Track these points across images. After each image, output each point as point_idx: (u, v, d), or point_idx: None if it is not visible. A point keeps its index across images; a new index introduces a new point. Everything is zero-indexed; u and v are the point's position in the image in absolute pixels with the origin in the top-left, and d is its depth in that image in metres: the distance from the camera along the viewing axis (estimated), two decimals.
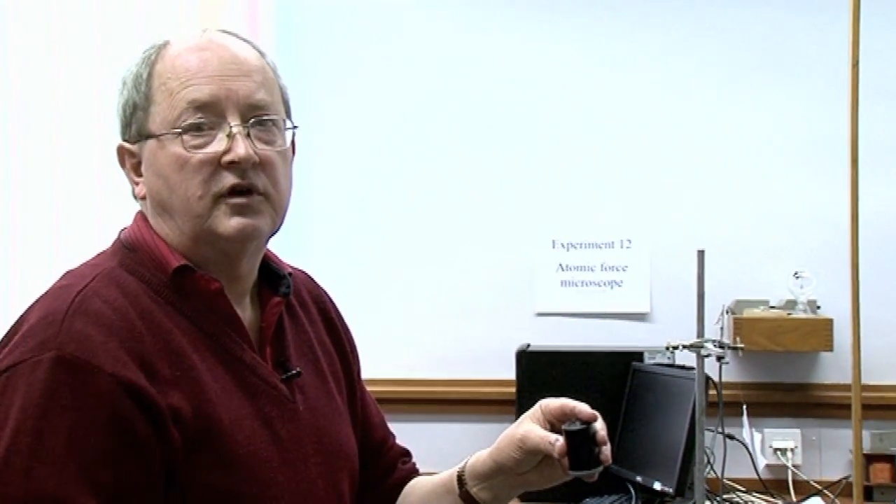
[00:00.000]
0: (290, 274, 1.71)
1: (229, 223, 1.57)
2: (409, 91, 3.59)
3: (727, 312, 3.46)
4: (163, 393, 1.47)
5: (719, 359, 2.02)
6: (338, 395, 1.74)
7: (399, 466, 1.87)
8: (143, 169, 1.62)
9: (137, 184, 1.64)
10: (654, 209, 3.65)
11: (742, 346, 2.12)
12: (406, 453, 1.93)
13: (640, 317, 3.64)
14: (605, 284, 3.63)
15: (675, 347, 2.12)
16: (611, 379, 3.32)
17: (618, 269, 3.66)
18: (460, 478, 1.76)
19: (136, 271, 1.59)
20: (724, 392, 3.14)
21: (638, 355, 3.35)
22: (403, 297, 3.56)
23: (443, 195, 3.66)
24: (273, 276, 1.70)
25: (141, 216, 1.65)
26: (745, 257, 3.54)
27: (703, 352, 1.96)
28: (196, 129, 1.57)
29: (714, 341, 2.00)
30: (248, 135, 1.58)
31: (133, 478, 1.44)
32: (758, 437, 3.42)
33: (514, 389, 3.36)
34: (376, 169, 3.61)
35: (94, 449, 1.41)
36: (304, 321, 1.75)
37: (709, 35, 3.61)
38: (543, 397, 2.96)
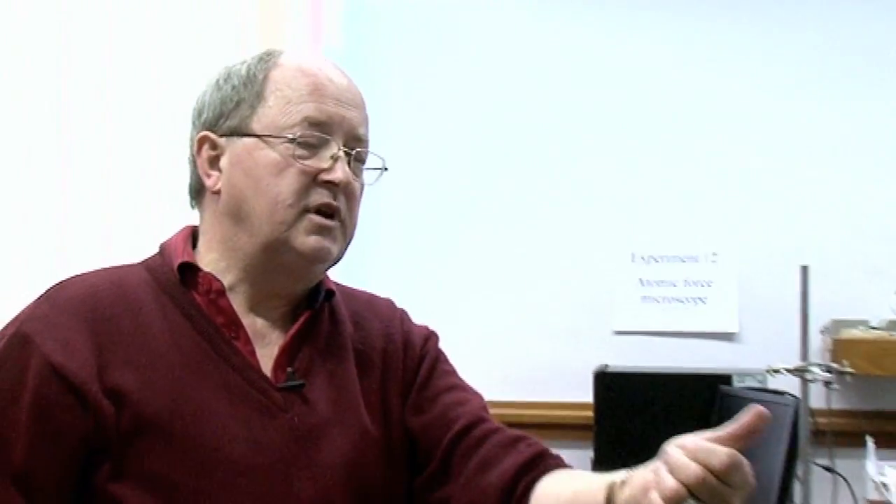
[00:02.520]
0: (329, 291, 1.70)
1: (307, 239, 1.59)
2: (482, 99, 3.52)
3: (823, 333, 3.27)
4: (110, 375, 1.49)
5: (827, 384, 1.77)
6: (365, 410, 1.67)
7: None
8: (224, 164, 1.62)
9: (210, 176, 1.63)
10: (742, 220, 3.48)
11: (851, 370, 1.85)
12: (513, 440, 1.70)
13: (727, 336, 3.47)
14: (688, 301, 3.48)
15: (777, 371, 1.91)
16: (696, 404, 3.14)
17: (703, 285, 3.50)
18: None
19: (154, 269, 1.63)
20: (824, 420, 2.99)
21: (725, 378, 3.14)
22: (474, 315, 3.45)
23: (515, 207, 3.56)
24: (316, 292, 1.70)
25: (185, 229, 1.69)
26: (842, 273, 3.34)
27: (809, 376, 1.70)
28: (305, 142, 1.59)
29: (821, 365, 1.73)
30: (350, 162, 1.61)
31: (43, 461, 1.47)
32: (859, 469, 3.14)
33: (591, 413, 3.21)
34: (448, 181, 3.52)
35: (12, 425, 1.46)
36: (348, 335, 1.72)
37: (809, 37, 3.49)
38: (622, 421, 3.15)
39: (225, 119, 1.64)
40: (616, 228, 3.50)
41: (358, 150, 1.64)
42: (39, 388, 1.47)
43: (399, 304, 1.84)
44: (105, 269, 1.65)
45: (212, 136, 1.64)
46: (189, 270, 1.63)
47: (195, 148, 1.65)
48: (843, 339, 3.15)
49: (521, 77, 3.56)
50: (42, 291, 1.58)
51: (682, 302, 3.48)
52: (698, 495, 1.30)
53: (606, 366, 3.28)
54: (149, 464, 1.49)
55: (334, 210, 1.60)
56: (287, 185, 1.59)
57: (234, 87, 1.64)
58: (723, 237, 3.48)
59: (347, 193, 1.62)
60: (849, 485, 3.16)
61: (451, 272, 3.46)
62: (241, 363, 1.60)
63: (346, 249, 1.67)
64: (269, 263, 1.62)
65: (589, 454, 3.18)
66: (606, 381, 3.22)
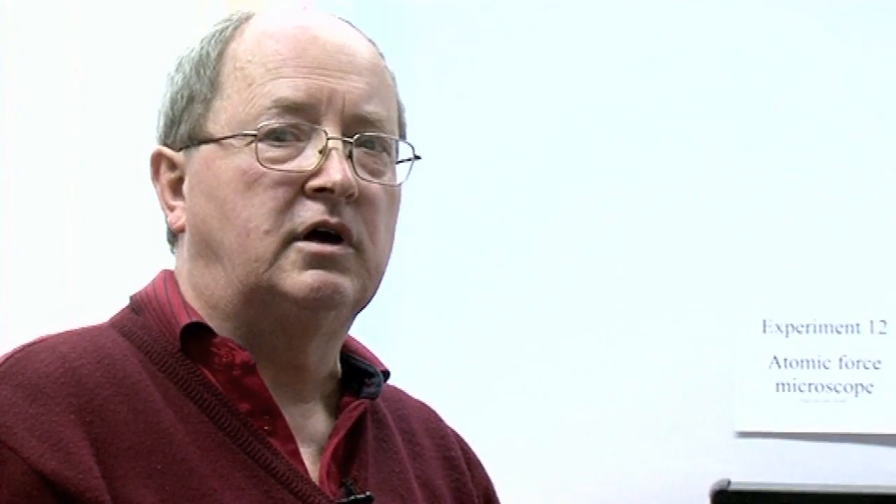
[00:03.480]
0: (384, 373, 1.54)
1: (300, 278, 1.38)
2: (541, 103, 3.01)
3: None
4: (121, 486, 1.33)
5: None
6: None
7: None
8: (186, 187, 1.45)
9: (173, 209, 1.47)
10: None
11: None
12: None
13: None
14: (846, 389, 2.89)
15: None
16: None
17: (867, 366, 2.88)
18: None
19: (133, 334, 1.44)
20: None
21: None
22: (535, 410, 2.97)
23: (592, 253, 3.01)
24: (359, 374, 1.53)
25: (164, 275, 1.51)
26: None
27: None
28: (278, 137, 1.40)
29: None
30: (350, 155, 1.41)
31: None
32: None
33: None
34: (495, 216, 3.05)
35: None
36: (403, 453, 1.56)
37: None
38: None
39: (175, 125, 1.49)
40: (742, 287, 2.92)
41: (363, 134, 1.43)
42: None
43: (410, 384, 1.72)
44: (69, 333, 1.47)
45: (166, 151, 1.49)
46: (192, 336, 1.44)
47: (151, 169, 1.52)
48: None
49: (600, 70, 3.08)
50: None
51: (836, 391, 2.89)
52: None
53: (729, 482, 2.71)
54: None
55: (336, 229, 1.39)
56: (259, 203, 1.40)
57: (184, 79, 1.49)
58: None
59: (361, 202, 1.42)
60: None
61: (499, 346, 2.97)
62: (287, 471, 1.41)
63: (374, 285, 1.47)
64: (261, 322, 1.42)
65: None
66: None
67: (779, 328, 2.87)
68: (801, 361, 2.87)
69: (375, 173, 1.43)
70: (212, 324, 1.45)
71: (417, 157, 1.49)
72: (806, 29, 3.00)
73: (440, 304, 3.07)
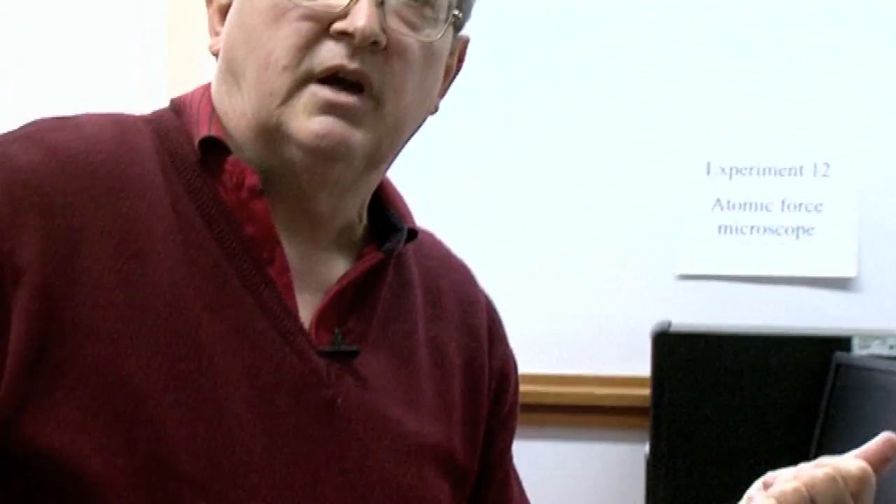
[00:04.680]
0: (411, 230, 1.50)
1: (308, 123, 1.34)
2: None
3: None
4: (80, 273, 1.30)
5: None
6: (433, 423, 1.51)
7: None
8: (230, 13, 1.43)
9: (217, 34, 1.45)
10: (868, 119, 2.89)
11: None
12: None
13: (842, 283, 2.90)
14: (787, 232, 2.88)
15: None
16: (798, 378, 2.67)
17: (808, 209, 2.88)
18: None
19: (167, 134, 1.41)
20: None
21: (842, 342, 2.68)
22: (481, 257, 2.94)
23: (541, 108, 3.00)
24: (392, 231, 1.49)
25: (205, 86, 1.49)
26: None
27: None
28: None
29: None
30: (382, 3, 1.36)
31: None
32: None
33: (647, 391, 2.68)
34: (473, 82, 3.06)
35: None
36: (420, 310, 1.53)
37: None
38: (690, 402, 2.81)
39: None
40: (686, 128, 2.92)
41: None
42: None
43: None
44: (101, 117, 1.45)
45: None
46: (214, 149, 1.41)
47: None
48: None
49: None
50: (18, 126, 1.42)
51: (777, 233, 2.88)
52: (820, 500, 1.33)
53: (669, 323, 2.72)
54: (123, 429, 1.30)
55: (355, 76, 1.35)
56: (282, 37, 1.38)
57: None
58: (838, 142, 2.91)
59: (389, 53, 1.38)
60: None
61: (458, 197, 2.98)
62: (274, 303, 1.39)
63: (392, 143, 1.43)
64: (271, 159, 1.40)
65: (644, 449, 2.70)
66: (670, 345, 2.70)
67: (722, 170, 2.86)
68: (744, 204, 2.87)
69: (412, 25, 1.39)
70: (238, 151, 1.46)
71: (459, 21, 1.45)
72: None
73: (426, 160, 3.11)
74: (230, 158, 1.39)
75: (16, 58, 3.21)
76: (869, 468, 1.31)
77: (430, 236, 1.61)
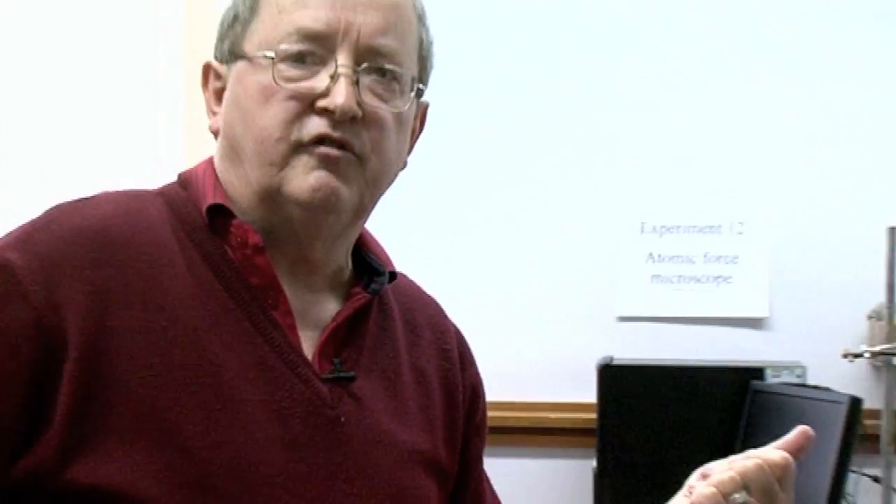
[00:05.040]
0: (391, 273, 1.62)
1: (305, 180, 1.46)
2: (474, 66, 3.29)
3: (872, 318, 3.11)
4: (112, 339, 1.40)
5: None
6: (420, 433, 1.61)
7: None
8: (225, 97, 1.55)
9: (215, 114, 1.56)
10: (775, 185, 3.29)
11: None
12: None
13: (756, 323, 3.27)
14: (709, 280, 3.26)
15: (857, 355, 2.08)
16: (720, 403, 3.00)
17: (726, 261, 3.28)
18: None
19: (176, 205, 1.52)
20: (865, 422, 2.83)
21: (757, 372, 3.01)
22: (452, 302, 3.21)
23: (497, 177, 3.34)
24: (372, 270, 1.61)
25: (208, 160, 1.60)
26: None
27: None
28: (296, 59, 1.48)
29: None
30: (357, 82, 1.47)
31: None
32: None
33: (594, 415, 3.01)
34: (428, 147, 3.35)
35: None
36: (401, 340, 1.64)
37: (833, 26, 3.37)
38: (631, 424, 3.03)
39: (224, 41, 1.55)
40: (622, 194, 3.30)
41: (370, 64, 1.48)
42: (16, 344, 1.37)
43: None
44: (117, 195, 1.53)
45: (214, 63, 1.56)
46: (219, 215, 1.50)
47: (202, 78, 1.59)
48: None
49: (519, 39, 3.38)
50: (42, 211, 1.48)
51: (700, 281, 3.27)
52: (752, 486, 1.42)
53: (611, 358, 3.06)
54: (164, 457, 1.38)
55: (338, 142, 1.45)
56: (275, 114, 1.46)
57: (234, 2, 1.56)
58: (752, 204, 3.29)
59: (366, 122, 1.47)
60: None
61: (419, 249, 3.13)
62: (282, 342, 1.48)
63: (372, 196, 1.52)
64: (272, 218, 1.48)
65: (591, 464, 3.01)
66: (612, 377, 3.04)
67: (654, 229, 3.21)
68: (672, 257, 3.22)
69: (383, 98, 1.48)
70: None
71: (421, 91, 1.56)
72: None
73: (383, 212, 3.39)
74: (234, 221, 1.48)
75: (40, 130, 3.32)
76: (789, 456, 1.43)
77: (404, 277, 1.70)
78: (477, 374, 1.73)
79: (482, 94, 3.37)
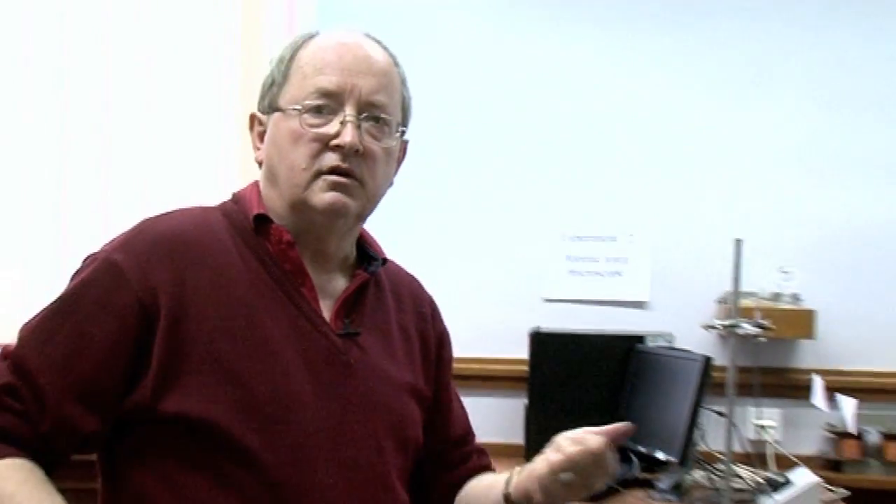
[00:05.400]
0: (383, 259, 1.76)
1: (323, 196, 1.61)
2: (432, 89, 3.38)
3: (720, 302, 3.54)
4: (190, 309, 1.54)
5: (755, 336, 2.11)
6: (406, 372, 1.75)
7: (469, 462, 1.89)
8: (265, 138, 1.68)
9: (258, 149, 1.70)
10: (654, 207, 3.70)
11: (773, 326, 2.20)
12: (482, 452, 1.94)
13: (639, 304, 3.66)
14: (608, 274, 3.62)
15: (712, 327, 2.20)
16: (614, 360, 3.34)
17: (620, 261, 3.67)
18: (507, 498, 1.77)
19: (231, 216, 1.66)
20: (714, 374, 3.15)
21: (639, 339, 3.35)
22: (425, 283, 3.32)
23: (462, 194, 3.65)
24: (369, 257, 1.76)
25: (255, 182, 1.73)
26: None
27: (740, 331, 2.06)
28: (317, 111, 1.61)
29: (750, 321, 2.09)
30: (359, 126, 1.62)
31: (109, 377, 1.53)
32: (743, 413, 3.45)
33: (526, 367, 3.36)
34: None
35: (89, 340, 1.53)
36: (391, 306, 1.78)
37: (709, 48, 3.73)
38: (552, 374, 3.25)
39: (264, 98, 1.70)
40: (549, 213, 3.64)
41: (370, 113, 1.63)
42: (124, 318, 1.53)
43: None
44: (189, 210, 1.68)
45: (258, 114, 1.71)
46: (262, 221, 1.65)
47: (248, 125, 1.73)
48: (736, 308, 3.26)
49: (463, 71, 3.66)
50: (134, 224, 1.63)
51: (602, 275, 3.61)
52: (574, 468, 1.56)
53: (539, 328, 3.38)
54: (228, 390, 1.53)
55: (345, 171, 1.61)
56: (302, 151, 1.61)
57: (272, 69, 1.69)
58: (638, 221, 3.68)
59: (365, 156, 1.62)
60: (735, 427, 3.32)
61: (408, 248, 3.04)
62: (308, 309, 1.63)
63: (370, 208, 1.68)
64: (300, 223, 1.64)
65: (524, 401, 3.36)
66: (539, 341, 3.36)
67: (570, 238, 3.61)
68: (583, 258, 3.61)
69: (377, 139, 1.64)
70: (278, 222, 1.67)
71: (403, 131, 1.71)
72: None
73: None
74: (273, 225, 1.64)
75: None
76: (605, 443, 1.57)
77: (393, 263, 1.84)
78: (443, 326, 1.89)
79: (442, 123, 3.56)
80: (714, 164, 3.72)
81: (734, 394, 2.11)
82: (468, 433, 1.91)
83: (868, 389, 3.55)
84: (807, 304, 3.55)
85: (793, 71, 3.67)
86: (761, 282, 3.48)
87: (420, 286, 1.89)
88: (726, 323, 2.07)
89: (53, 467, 1.55)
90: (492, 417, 3.38)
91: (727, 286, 3.24)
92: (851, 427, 3.32)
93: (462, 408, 1.91)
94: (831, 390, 3.39)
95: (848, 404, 3.27)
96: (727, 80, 3.72)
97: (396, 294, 1.80)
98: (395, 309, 1.77)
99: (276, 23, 3.51)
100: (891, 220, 3.69)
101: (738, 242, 2.15)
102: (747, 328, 2.04)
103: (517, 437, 3.39)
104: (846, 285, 3.65)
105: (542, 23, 3.71)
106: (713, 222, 3.66)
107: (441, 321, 1.88)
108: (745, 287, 3.27)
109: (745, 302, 3.38)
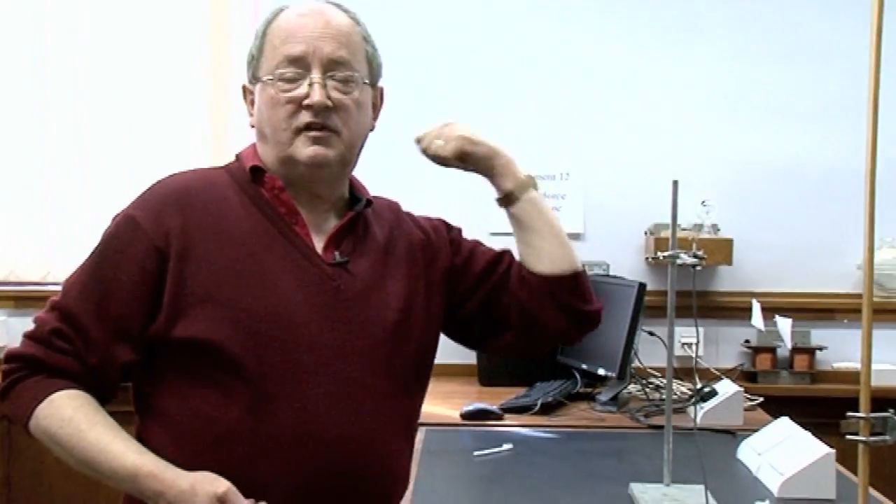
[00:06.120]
0: (368, 200, 1.92)
1: (305, 150, 1.77)
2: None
3: (647, 233, 3.91)
4: (197, 249, 1.72)
5: (694, 266, 2.30)
6: (402, 286, 1.88)
7: (511, 266, 2.02)
8: (255, 105, 1.85)
9: (252, 115, 1.87)
10: (587, 148, 4.01)
11: (705, 256, 2.37)
12: (506, 252, 2.07)
13: (576, 236, 3.94)
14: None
15: (655, 257, 2.37)
16: None
17: (558, 197, 3.97)
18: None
19: (232, 171, 1.85)
20: (648, 298, 3.45)
21: None
22: None
23: (409, 137, 3.33)
24: (357, 199, 1.93)
25: (253, 143, 1.90)
26: (660, 188, 3.52)
27: (679, 261, 2.27)
28: (287, 78, 1.78)
29: (688, 252, 2.30)
30: (325, 85, 1.77)
31: (135, 312, 1.72)
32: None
33: None
34: None
35: (115, 283, 1.72)
36: (378, 236, 1.92)
37: (644, 1, 4.03)
38: None
39: (249, 70, 1.86)
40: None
41: (333, 72, 1.78)
42: (143, 262, 1.71)
43: None
44: (196, 169, 1.87)
45: (247, 85, 1.87)
46: (258, 172, 1.82)
47: (242, 95, 1.89)
48: (662, 238, 3.78)
49: (412, 20, 3.90)
50: (150, 184, 1.82)
51: None
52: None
53: None
54: (228, 315, 1.69)
55: (319, 125, 1.76)
56: (280, 114, 1.77)
57: (252, 45, 1.85)
58: (574, 161, 3.99)
59: (337, 109, 1.77)
60: (664, 343, 3.53)
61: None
62: (301, 243, 1.79)
63: (352, 153, 1.84)
64: (290, 174, 1.81)
65: None
66: None
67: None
68: None
69: (346, 92, 1.78)
70: (272, 172, 1.83)
71: (373, 83, 1.85)
72: None
73: None
74: (267, 175, 1.81)
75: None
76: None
77: (378, 197, 1.97)
78: (427, 221, 2.03)
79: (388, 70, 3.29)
80: (643, 110, 4.01)
81: (674, 316, 2.25)
82: (493, 254, 2.05)
83: (777, 308, 3.85)
84: (725, 234, 3.86)
85: (716, 25, 3.99)
86: (686, 214, 3.68)
87: (397, 207, 2.05)
88: (667, 254, 2.28)
89: (106, 397, 1.78)
90: (446, 340, 3.38)
91: (654, 219, 3.81)
92: (789, 343, 3.64)
93: (482, 245, 2.07)
94: (744, 310, 3.71)
95: (784, 323, 3.57)
96: (659, 31, 3.99)
97: (381, 220, 1.96)
98: (381, 237, 1.92)
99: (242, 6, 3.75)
100: (797, 158, 4.03)
101: (675, 183, 2.24)
102: (685, 258, 2.27)
103: (471, 359, 3.67)
104: (758, 216, 4.00)
105: None
106: (640, 161, 3.99)
107: (423, 220, 2.03)
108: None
109: (667, 232, 3.51)
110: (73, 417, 1.69)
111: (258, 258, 1.74)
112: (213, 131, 3.92)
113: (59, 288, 1.81)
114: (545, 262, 1.95)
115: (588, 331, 2.02)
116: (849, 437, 1.51)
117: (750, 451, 2.71)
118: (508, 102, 3.94)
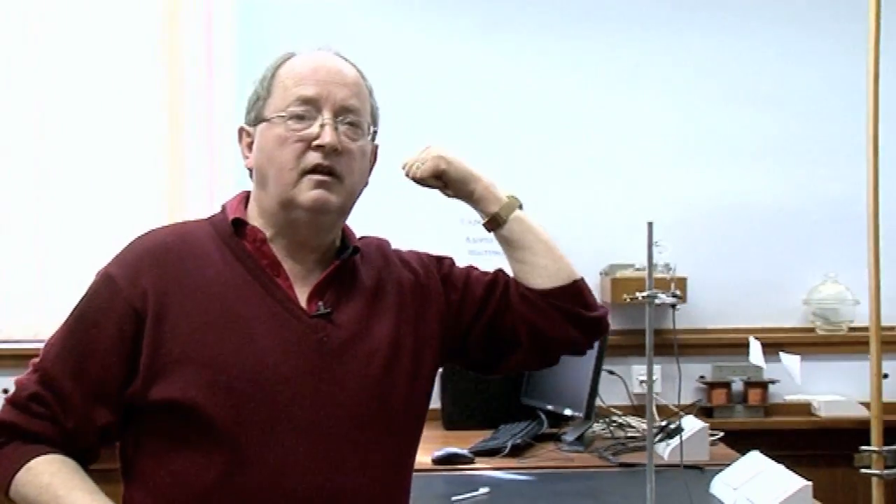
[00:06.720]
0: (355, 248, 1.90)
1: (308, 193, 1.77)
2: None
3: (602, 274, 3.97)
4: (173, 310, 1.72)
5: (672, 306, 2.36)
6: (391, 329, 1.86)
7: (508, 288, 2.03)
8: (253, 147, 1.85)
9: (248, 157, 1.87)
10: (543, 190, 4.02)
11: (680, 295, 2.41)
12: (500, 273, 2.09)
13: None
14: (502, 254, 3.27)
15: (634, 298, 2.43)
16: None
17: None
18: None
19: (215, 223, 1.85)
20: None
21: None
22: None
23: (371, 183, 3.43)
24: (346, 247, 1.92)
25: (241, 192, 1.91)
26: (613, 230, 4.05)
27: (658, 301, 2.32)
28: (299, 117, 1.79)
29: (666, 292, 2.34)
30: (336, 128, 1.79)
31: (113, 374, 1.72)
32: (629, 371, 3.94)
33: None
34: None
35: (93, 344, 1.73)
36: (366, 283, 1.90)
37: (607, 52, 4.18)
38: None
39: (251, 112, 1.86)
40: (449, 202, 3.40)
41: (343, 117, 1.80)
42: (121, 323, 1.72)
43: None
44: (175, 225, 1.89)
45: (246, 126, 1.88)
46: (241, 225, 1.82)
47: (237, 137, 1.89)
48: (617, 278, 3.87)
49: (380, 64, 3.37)
50: (128, 242, 1.82)
51: (498, 254, 2.75)
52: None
53: None
54: (205, 375, 1.69)
55: (327, 168, 1.76)
56: (287, 153, 1.77)
57: (256, 88, 1.86)
58: (529, 203, 3.18)
59: (343, 153, 1.78)
60: (624, 381, 3.89)
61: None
62: (282, 296, 1.79)
63: (350, 202, 1.84)
64: (287, 218, 1.80)
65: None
66: None
67: (469, 222, 3.06)
68: (480, 239, 3.08)
69: (352, 139, 1.80)
70: (261, 221, 1.82)
71: (375, 132, 1.88)
72: None
73: None
74: (249, 227, 1.81)
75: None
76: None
77: (364, 237, 1.96)
78: (417, 258, 2.02)
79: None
80: (595, 153, 4.13)
81: (653, 354, 2.34)
82: (488, 278, 2.06)
83: (729, 344, 3.99)
84: (679, 273, 3.84)
85: (665, 68, 4.12)
86: (639, 255, 3.48)
87: (387, 245, 2.05)
88: (645, 294, 2.32)
89: (88, 459, 1.79)
90: None
91: (608, 259, 3.93)
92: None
93: (475, 269, 2.08)
94: (698, 347, 3.88)
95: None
96: (607, 72, 4.12)
97: (370, 263, 1.95)
98: (370, 280, 1.91)
99: (195, 30, 3.79)
100: (746, 199, 4.15)
101: (650, 225, 2.35)
102: (664, 298, 2.32)
103: (434, 403, 3.22)
104: (708, 255, 4.10)
105: (463, 28, 4.09)
106: (594, 202, 4.11)
107: (410, 257, 2.02)
108: (625, 259, 3.87)
109: (624, 272, 3.86)
110: (50, 483, 1.71)
111: (237, 313, 1.74)
112: (171, 179, 3.80)
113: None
114: (543, 277, 1.99)
115: (597, 337, 2.06)
116: (863, 471, 1.53)
117: (724, 486, 2.75)
118: (469, 148, 3.59)
